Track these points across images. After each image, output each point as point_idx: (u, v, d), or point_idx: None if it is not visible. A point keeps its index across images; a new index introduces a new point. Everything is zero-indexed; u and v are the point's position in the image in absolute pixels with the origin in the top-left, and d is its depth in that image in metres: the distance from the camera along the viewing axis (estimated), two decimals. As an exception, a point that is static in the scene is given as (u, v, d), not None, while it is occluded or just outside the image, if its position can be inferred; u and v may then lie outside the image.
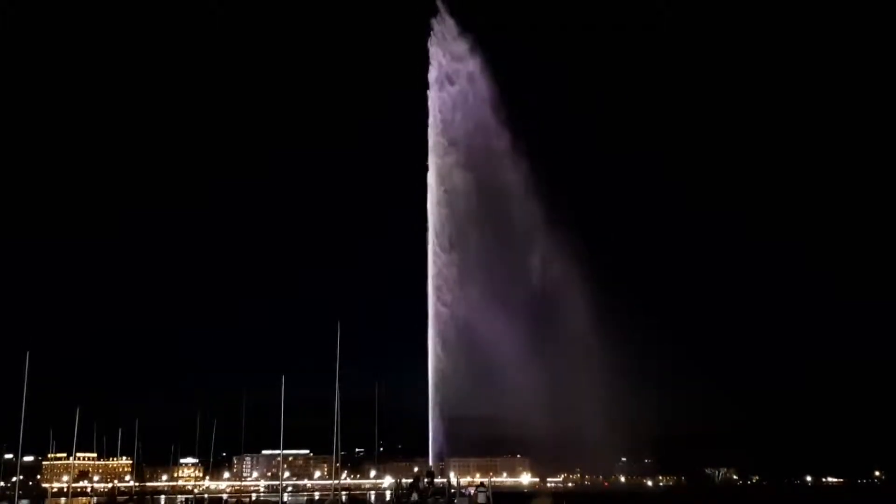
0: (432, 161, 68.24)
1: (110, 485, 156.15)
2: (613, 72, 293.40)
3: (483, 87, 71.01)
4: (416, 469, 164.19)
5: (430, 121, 69.14)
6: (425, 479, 46.10)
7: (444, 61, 70.37)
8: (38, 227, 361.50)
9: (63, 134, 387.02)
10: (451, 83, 70.26)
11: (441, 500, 40.95)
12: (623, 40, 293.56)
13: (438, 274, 65.10)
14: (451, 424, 62.27)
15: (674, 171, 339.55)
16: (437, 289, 64.66)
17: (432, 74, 69.98)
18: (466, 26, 71.79)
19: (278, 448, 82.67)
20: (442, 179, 67.74)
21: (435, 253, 65.77)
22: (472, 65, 71.06)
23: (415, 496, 40.73)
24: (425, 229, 66.82)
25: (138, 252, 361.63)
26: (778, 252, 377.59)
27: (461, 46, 71.03)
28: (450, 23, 71.09)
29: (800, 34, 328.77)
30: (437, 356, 62.74)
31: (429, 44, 70.61)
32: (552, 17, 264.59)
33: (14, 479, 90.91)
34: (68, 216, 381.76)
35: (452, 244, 66.39)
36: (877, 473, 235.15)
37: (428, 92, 69.90)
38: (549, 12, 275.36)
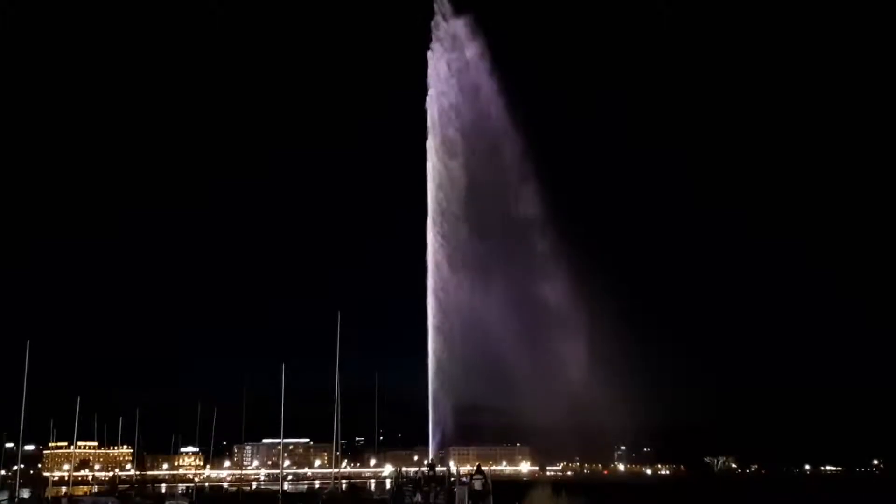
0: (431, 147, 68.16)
1: (111, 473, 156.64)
2: (614, 73, 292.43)
3: (484, 80, 70.86)
4: (416, 458, 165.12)
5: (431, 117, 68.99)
6: (425, 469, 46.23)
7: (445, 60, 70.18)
8: (38, 226, 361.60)
9: (63, 134, 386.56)
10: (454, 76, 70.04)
11: (440, 489, 41.01)
12: (623, 40, 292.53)
13: (438, 258, 65.10)
14: (451, 413, 62.38)
15: (674, 170, 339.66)
16: (439, 274, 64.65)
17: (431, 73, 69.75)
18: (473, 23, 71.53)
19: (278, 437, 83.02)
20: (441, 169, 67.62)
21: (441, 236, 65.59)
22: (473, 48, 70.88)
23: (418, 497, 40.71)
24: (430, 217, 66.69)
25: (138, 252, 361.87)
26: (778, 250, 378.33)
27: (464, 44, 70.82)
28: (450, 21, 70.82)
29: (799, 35, 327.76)
30: (437, 345, 62.77)
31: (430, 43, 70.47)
32: (553, 17, 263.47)
33: (15, 467, 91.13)
34: (68, 216, 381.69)
35: (445, 234, 66.37)
36: (875, 462, 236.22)
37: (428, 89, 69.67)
38: (550, 11, 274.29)
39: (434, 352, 62.33)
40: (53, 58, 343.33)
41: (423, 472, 45.43)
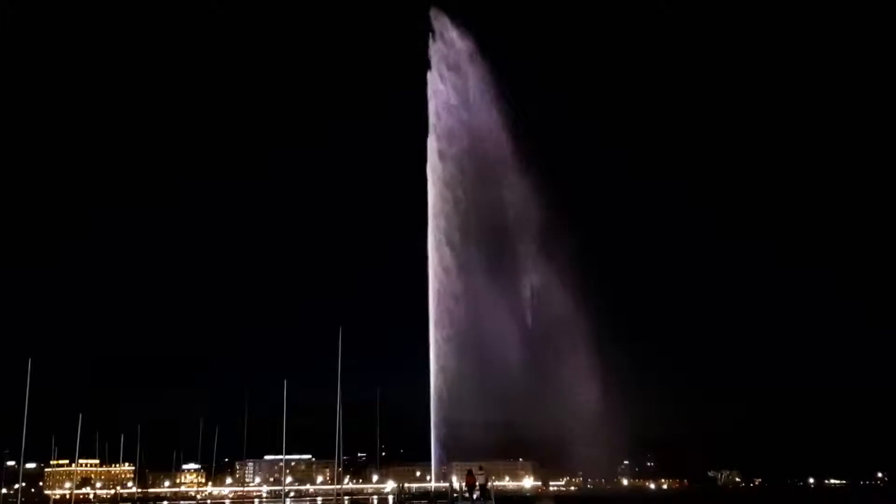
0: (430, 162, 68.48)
1: (113, 491, 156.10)
2: (614, 73, 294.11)
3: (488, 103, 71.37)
4: (418, 474, 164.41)
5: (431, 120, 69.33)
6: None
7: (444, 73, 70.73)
8: (38, 231, 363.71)
9: (63, 134, 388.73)
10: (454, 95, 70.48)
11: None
12: (623, 40, 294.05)
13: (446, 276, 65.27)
14: (454, 428, 62.30)
15: (674, 170, 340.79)
16: (443, 288, 64.78)
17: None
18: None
19: (280, 453, 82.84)
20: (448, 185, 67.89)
21: (443, 249, 65.78)
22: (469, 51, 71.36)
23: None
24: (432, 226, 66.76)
25: (138, 253, 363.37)
26: (778, 250, 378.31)
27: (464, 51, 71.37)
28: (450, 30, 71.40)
29: (799, 35, 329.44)
30: (440, 358, 62.76)
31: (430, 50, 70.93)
32: (553, 17, 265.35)
33: (16, 486, 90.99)
34: (68, 219, 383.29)
35: (456, 249, 66.57)
36: (879, 475, 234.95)
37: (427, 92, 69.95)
38: (556, 31, 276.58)
39: (436, 369, 62.39)
40: (53, 57, 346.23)
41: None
